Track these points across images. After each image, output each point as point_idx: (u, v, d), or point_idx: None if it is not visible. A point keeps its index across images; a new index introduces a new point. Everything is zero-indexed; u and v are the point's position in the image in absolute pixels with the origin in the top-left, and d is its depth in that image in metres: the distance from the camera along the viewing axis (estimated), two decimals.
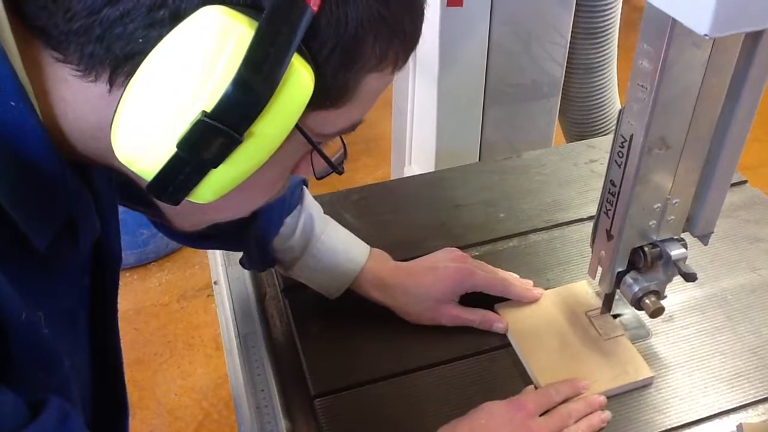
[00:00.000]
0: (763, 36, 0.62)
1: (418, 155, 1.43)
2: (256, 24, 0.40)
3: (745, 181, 1.08)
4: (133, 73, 0.41)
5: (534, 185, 1.08)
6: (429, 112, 1.32)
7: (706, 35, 0.51)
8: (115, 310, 0.64)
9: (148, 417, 1.87)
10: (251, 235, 0.81)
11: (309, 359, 0.82)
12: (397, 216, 1.04)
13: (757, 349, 0.83)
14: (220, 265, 0.99)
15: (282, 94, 0.41)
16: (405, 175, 1.45)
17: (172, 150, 0.42)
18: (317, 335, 0.86)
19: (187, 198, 0.45)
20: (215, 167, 0.43)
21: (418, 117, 1.38)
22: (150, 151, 0.42)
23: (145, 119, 0.41)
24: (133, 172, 0.45)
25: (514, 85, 1.31)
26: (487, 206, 1.04)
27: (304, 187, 0.85)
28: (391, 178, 1.63)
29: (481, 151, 1.37)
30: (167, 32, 0.40)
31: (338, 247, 0.84)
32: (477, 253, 0.96)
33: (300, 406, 0.79)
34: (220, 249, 0.98)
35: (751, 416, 0.76)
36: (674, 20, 0.57)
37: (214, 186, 0.44)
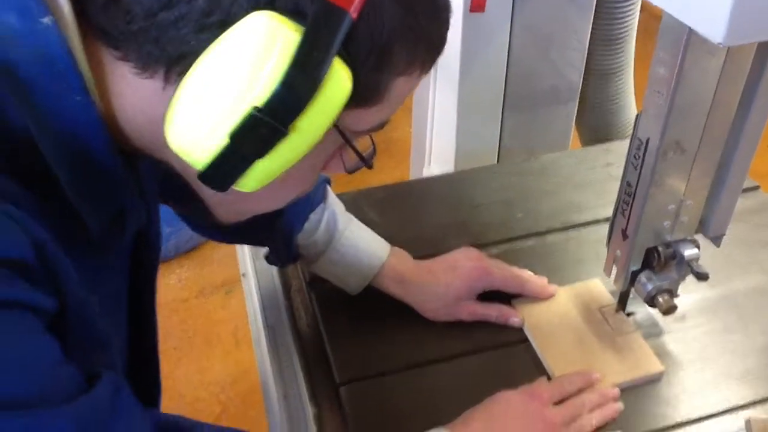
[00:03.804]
0: None
1: (437, 157, 1.46)
2: (301, 29, 0.44)
3: (757, 187, 1.11)
4: (186, 72, 0.45)
5: (551, 187, 1.12)
6: (449, 115, 1.36)
7: (720, 44, 0.54)
8: (153, 294, 0.68)
9: (167, 409, 1.92)
10: (277, 230, 0.85)
11: (334, 348, 0.86)
12: (418, 214, 1.07)
13: (767, 349, 0.85)
14: (248, 258, 1.03)
15: (323, 93, 0.45)
16: (424, 176, 1.48)
17: (224, 141, 0.45)
18: (341, 326, 0.89)
19: (233, 186, 0.48)
20: (261, 158, 0.47)
21: (438, 119, 1.41)
22: (203, 141, 0.46)
23: (199, 113, 0.45)
24: (182, 162, 0.48)
25: (533, 90, 1.34)
26: (506, 206, 1.08)
27: (327, 186, 0.89)
28: (410, 178, 1.67)
29: (500, 155, 1.40)
30: (217, 35, 0.44)
31: (360, 243, 0.87)
32: (495, 252, 0.99)
33: (326, 393, 0.82)
34: (248, 244, 1.01)
35: (759, 413, 0.79)
36: (690, 29, 0.60)
37: (258, 175, 0.48)
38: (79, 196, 0.48)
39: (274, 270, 1.00)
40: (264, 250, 0.94)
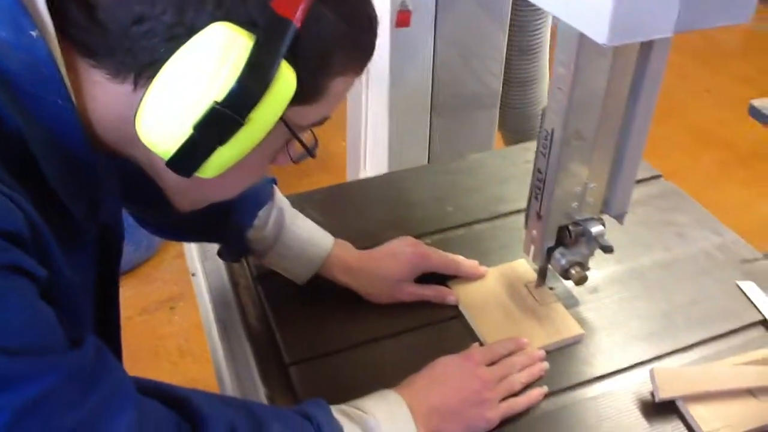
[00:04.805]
0: (654, 45, 0.76)
1: (372, 162, 1.55)
2: (254, 37, 0.52)
3: (660, 176, 1.24)
4: (155, 75, 0.52)
5: (478, 183, 1.22)
6: (381, 122, 1.45)
7: (604, 44, 0.64)
8: (117, 285, 0.74)
9: None
10: (229, 227, 0.92)
11: (282, 332, 0.93)
12: (357, 212, 1.15)
13: (669, 313, 0.97)
14: (197, 260, 1.08)
15: (273, 90, 0.53)
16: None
17: (188, 132, 0.53)
18: (289, 313, 0.96)
19: (196, 173, 0.56)
20: (221, 145, 0.54)
21: (371, 127, 1.51)
22: (170, 133, 0.53)
23: (167, 109, 0.53)
24: (150, 155, 0.56)
25: (457, 97, 1.45)
26: (437, 202, 1.17)
27: (275, 185, 0.97)
28: None
29: (430, 157, 1.51)
30: (182, 44, 0.52)
31: (306, 236, 0.95)
32: (429, 242, 1.08)
33: (276, 374, 0.89)
34: (201, 241, 1.07)
35: (662, 366, 0.90)
36: (581, 32, 0.71)
37: (217, 162, 0.55)
38: (62, 186, 0.55)
39: (222, 270, 1.06)
40: (215, 248, 1.01)
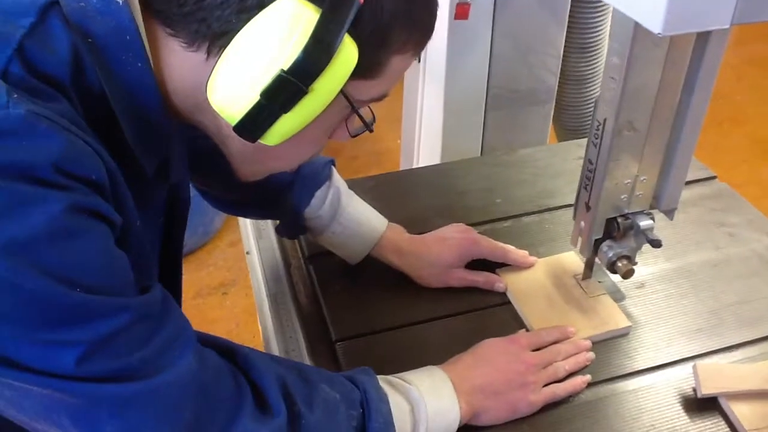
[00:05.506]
0: (711, 36, 0.76)
1: (425, 155, 1.57)
2: (319, 10, 0.55)
3: (714, 177, 1.22)
4: (227, 45, 0.56)
5: (528, 176, 1.23)
6: (436, 116, 1.47)
7: (659, 34, 0.65)
8: (181, 249, 0.79)
9: None
10: (287, 204, 0.95)
11: (330, 310, 0.96)
12: (407, 200, 1.18)
13: (716, 311, 0.96)
14: (252, 238, 1.13)
15: (335, 62, 0.56)
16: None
17: (256, 98, 0.56)
18: (338, 293, 0.99)
19: (260, 140, 0.59)
20: (285, 112, 0.57)
21: (426, 120, 1.53)
22: (239, 99, 0.56)
23: (236, 77, 0.56)
24: (218, 121, 0.60)
25: (513, 92, 1.45)
26: (486, 193, 1.18)
27: (332, 166, 1.00)
28: None
29: (483, 152, 1.52)
30: (253, 16, 0.55)
31: (361, 217, 0.98)
32: (477, 231, 1.10)
33: (323, 349, 0.92)
34: (261, 218, 1.12)
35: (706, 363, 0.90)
36: (636, 22, 0.71)
37: (281, 130, 0.58)
38: (138, 143, 0.59)
39: (276, 249, 1.10)
40: (270, 228, 1.05)
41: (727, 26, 0.66)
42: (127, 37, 0.56)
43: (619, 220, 0.90)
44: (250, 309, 2.25)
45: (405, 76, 1.25)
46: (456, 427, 0.78)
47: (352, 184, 1.18)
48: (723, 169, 1.30)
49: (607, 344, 0.92)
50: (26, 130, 0.48)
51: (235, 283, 2.43)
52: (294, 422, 0.64)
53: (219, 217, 2.52)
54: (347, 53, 0.56)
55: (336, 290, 1.00)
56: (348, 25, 0.55)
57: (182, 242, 0.80)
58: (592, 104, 1.61)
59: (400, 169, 1.82)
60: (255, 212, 1.05)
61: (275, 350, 0.94)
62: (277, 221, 1.03)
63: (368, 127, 0.66)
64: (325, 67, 0.56)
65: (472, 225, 1.10)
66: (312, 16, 0.55)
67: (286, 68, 0.55)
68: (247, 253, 1.14)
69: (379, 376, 0.76)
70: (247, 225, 1.16)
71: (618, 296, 0.98)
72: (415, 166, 1.61)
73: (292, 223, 0.98)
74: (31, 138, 0.48)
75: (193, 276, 2.44)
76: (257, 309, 1.05)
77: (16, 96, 0.49)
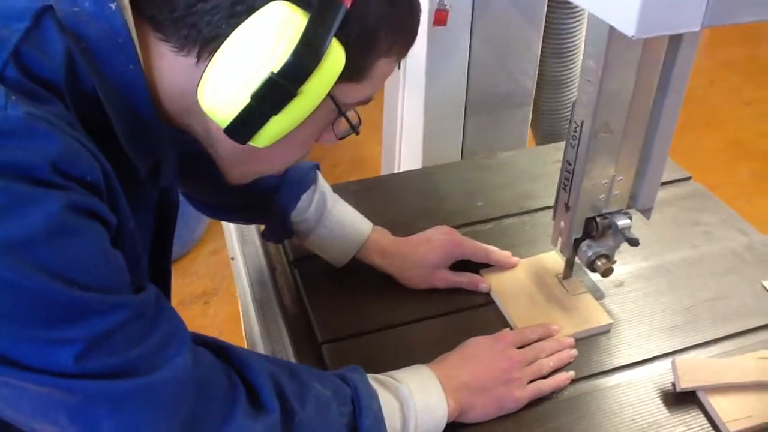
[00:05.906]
0: (683, 38, 0.78)
1: (406, 161, 1.59)
2: (308, 15, 0.56)
3: (689, 177, 1.25)
4: (217, 49, 0.57)
5: (508, 179, 1.25)
6: (416, 122, 1.49)
7: (633, 36, 0.66)
8: (170, 253, 0.79)
9: None
10: (274, 208, 0.96)
11: (316, 312, 0.97)
12: (390, 204, 1.19)
13: (692, 308, 0.98)
14: (236, 243, 1.13)
15: (324, 64, 0.57)
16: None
17: (246, 101, 0.57)
18: (323, 296, 1.00)
19: (250, 141, 0.60)
20: (275, 114, 0.58)
21: (406, 126, 1.54)
22: (229, 102, 0.58)
23: (227, 80, 0.57)
24: (207, 123, 0.61)
25: (491, 96, 1.48)
26: (468, 196, 1.20)
27: (317, 171, 1.01)
28: None
29: (463, 156, 1.54)
30: (243, 20, 0.56)
31: (347, 220, 1.00)
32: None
33: (309, 351, 0.93)
34: (247, 222, 1.12)
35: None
36: (611, 26, 0.73)
37: (270, 131, 0.59)
38: (131, 145, 0.60)
39: (260, 254, 1.11)
40: (254, 233, 1.05)
41: (697, 29, 0.68)
42: (120, 40, 0.57)
43: (598, 219, 0.92)
44: (232, 317, 2.24)
45: (385, 83, 1.27)
46: (444, 423, 0.79)
47: (336, 189, 1.19)
48: (698, 170, 1.33)
49: (588, 341, 0.94)
50: (25, 131, 0.49)
51: (217, 291, 2.42)
52: (287, 419, 0.65)
53: (201, 225, 2.51)
54: (335, 56, 0.58)
55: (320, 293, 1.01)
56: (336, 29, 0.57)
57: (171, 245, 0.81)
58: (569, 108, 1.64)
59: (381, 169, 1.84)
60: (242, 216, 1.06)
61: (262, 353, 0.95)
62: (263, 226, 1.04)
63: (354, 129, 0.67)
64: (314, 70, 0.57)
65: (455, 227, 1.12)
66: (301, 20, 0.56)
67: (275, 71, 0.56)
68: (232, 258, 1.14)
69: (368, 375, 0.77)
70: (231, 231, 1.17)
71: (598, 294, 1.00)
72: (396, 170, 1.62)
73: (278, 227, 0.99)
74: (29, 139, 0.49)
75: (175, 284, 2.37)
76: (243, 314, 1.06)
77: (14, 98, 0.50)
